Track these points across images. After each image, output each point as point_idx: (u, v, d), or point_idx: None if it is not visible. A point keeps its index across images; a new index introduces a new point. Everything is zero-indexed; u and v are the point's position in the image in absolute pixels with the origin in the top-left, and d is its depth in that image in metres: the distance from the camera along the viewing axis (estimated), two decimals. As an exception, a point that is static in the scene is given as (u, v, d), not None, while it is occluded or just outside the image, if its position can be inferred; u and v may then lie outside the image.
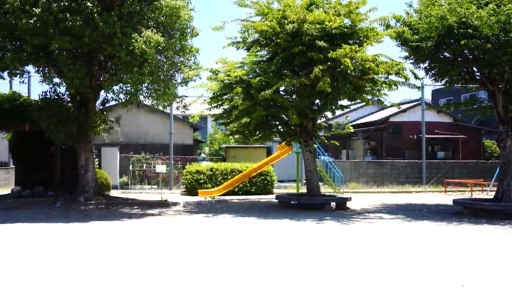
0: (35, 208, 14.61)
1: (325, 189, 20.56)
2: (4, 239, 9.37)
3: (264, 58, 15.73)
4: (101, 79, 16.03)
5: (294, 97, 15.80)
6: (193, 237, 9.81)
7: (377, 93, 15.37)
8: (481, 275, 6.53)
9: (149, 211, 14.48)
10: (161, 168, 23.02)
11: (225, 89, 15.45)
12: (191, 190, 20.50)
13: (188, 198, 19.00)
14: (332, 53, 13.22)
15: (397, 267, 6.93)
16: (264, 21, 14.64)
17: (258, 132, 16.66)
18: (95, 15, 12.56)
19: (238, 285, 5.93)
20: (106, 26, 12.62)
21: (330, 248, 8.57)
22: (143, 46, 12.89)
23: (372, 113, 34.94)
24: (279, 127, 16.98)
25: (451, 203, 15.43)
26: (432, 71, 15.45)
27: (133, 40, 12.89)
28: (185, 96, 17.76)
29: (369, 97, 15.61)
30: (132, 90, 15.06)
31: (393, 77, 15.04)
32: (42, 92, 16.33)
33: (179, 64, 15.78)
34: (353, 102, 23.33)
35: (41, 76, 15.13)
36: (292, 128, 16.10)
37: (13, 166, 22.59)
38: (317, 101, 15.88)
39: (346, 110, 20.53)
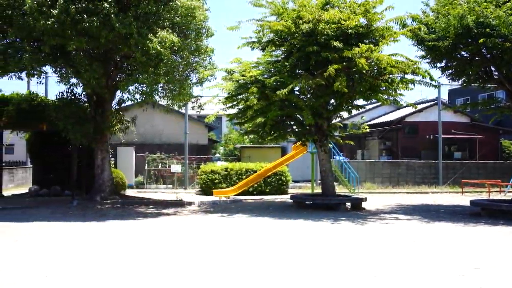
0: (53, 207, 14.79)
1: (340, 190, 20.47)
2: (23, 237, 9.51)
3: (279, 58, 15.69)
4: (117, 79, 16.19)
5: (308, 96, 15.76)
6: (209, 237, 9.84)
7: (393, 92, 15.19)
8: (499, 278, 6.44)
9: (164, 211, 14.58)
10: (176, 167, 23.12)
11: (240, 89, 15.46)
12: (206, 189, 20.57)
13: (203, 198, 19.06)
14: (347, 52, 13.15)
15: (413, 268, 6.87)
16: (279, 21, 14.62)
17: (273, 132, 16.64)
18: (111, 16, 12.66)
19: (253, 284, 5.94)
20: (123, 26, 12.72)
21: (345, 248, 8.53)
22: (158, 47, 12.98)
23: (388, 113, 34.73)
24: (294, 127, 16.97)
25: (468, 204, 15.26)
26: (449, 71, 15.33)
27: (148, 41, 12.98)
28: (200, 96, 17.85)
29: (385, 97, 15.39)
30: (148, 90, 15.13)
31: (409, 76, 14.90)
32: (59, 93, 16.54)
33: (194, 64, 15.86)
34: (368, 102, 23.20)
35: (58, 76, 15.27)
36: (307, 128, 16.05)
37: (31, 166, 22.89)
38: (332, 100, 15.81)
39: (361, 110, 20.44)
